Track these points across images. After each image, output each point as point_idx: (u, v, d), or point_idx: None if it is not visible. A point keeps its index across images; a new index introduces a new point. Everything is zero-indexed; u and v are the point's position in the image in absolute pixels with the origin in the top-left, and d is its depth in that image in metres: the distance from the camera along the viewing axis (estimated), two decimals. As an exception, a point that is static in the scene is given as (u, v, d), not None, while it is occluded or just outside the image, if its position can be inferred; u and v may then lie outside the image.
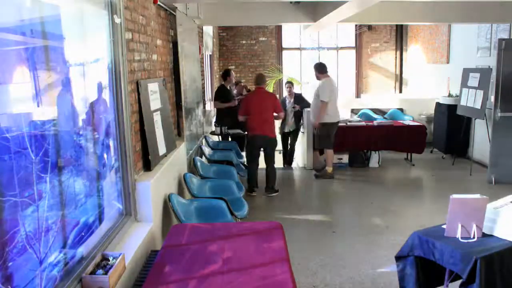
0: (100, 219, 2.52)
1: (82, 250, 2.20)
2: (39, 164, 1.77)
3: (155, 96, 3.59)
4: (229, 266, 2.37)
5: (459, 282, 2.71)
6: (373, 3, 4.86)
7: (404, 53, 10.92)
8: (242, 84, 8.18)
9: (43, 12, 1.99)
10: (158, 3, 3.86)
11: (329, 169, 6.78)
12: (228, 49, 10.79)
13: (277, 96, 10.52)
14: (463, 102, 7.31)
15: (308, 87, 11.40)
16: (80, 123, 2.35)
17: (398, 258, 3.03)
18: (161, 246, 2.79)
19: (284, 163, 7.61)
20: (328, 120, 6.55)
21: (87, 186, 2.37)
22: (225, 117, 6.97)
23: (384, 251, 4.17)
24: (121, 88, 2.73)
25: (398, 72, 11.09)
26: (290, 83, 7.46)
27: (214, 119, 7.70)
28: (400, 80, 11.07)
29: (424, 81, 9.99)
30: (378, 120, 8.20)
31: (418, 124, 7.69)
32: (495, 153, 6.24)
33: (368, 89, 11.12)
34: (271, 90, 10.25)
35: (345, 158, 7.55)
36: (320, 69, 6.65)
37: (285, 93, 7.79)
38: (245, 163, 6.29)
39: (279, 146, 6.93)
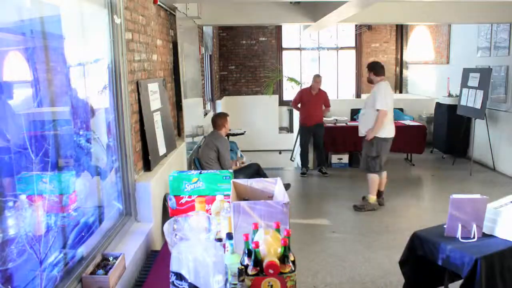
0: (100, 219, 2.52)
1: (82, 250, 2.19)
2: (39, 164, 1.76)
3: (155, 96, 3.59)
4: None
5: (459, 282, 2.72)
6: (373, 3, 4.86)
7: (404, 53, 10.91)
8: None
9: (43, 12, 1.99)
10: (158, 3, 3.86)
11: (371, 198, 5.40)
12: (228, 49, 10.78)
13: (277, 96, 10.62)
14: (463, 102, 7.31)
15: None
16: (80, 123, 2.35)
17: (400, 259, 3.03)
18: (161, 246, 2.79)
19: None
20: (383, 135, 5.25)
21: (87, 186, 2.37)
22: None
23: (384, 251, 4.17)
24: (121, 88, 2.73)
25: (398, 72, 11.09)
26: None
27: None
28: (400, 80, 11.07)
29: (424, 81, 9.99)
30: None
31: (418, 124, 7.69)
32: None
33: (368, 89, 11.10)
34: (271, 90, 10.26)
35: (345, 158, 7.55)
36: (375, 70, 5.34)
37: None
38: None
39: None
